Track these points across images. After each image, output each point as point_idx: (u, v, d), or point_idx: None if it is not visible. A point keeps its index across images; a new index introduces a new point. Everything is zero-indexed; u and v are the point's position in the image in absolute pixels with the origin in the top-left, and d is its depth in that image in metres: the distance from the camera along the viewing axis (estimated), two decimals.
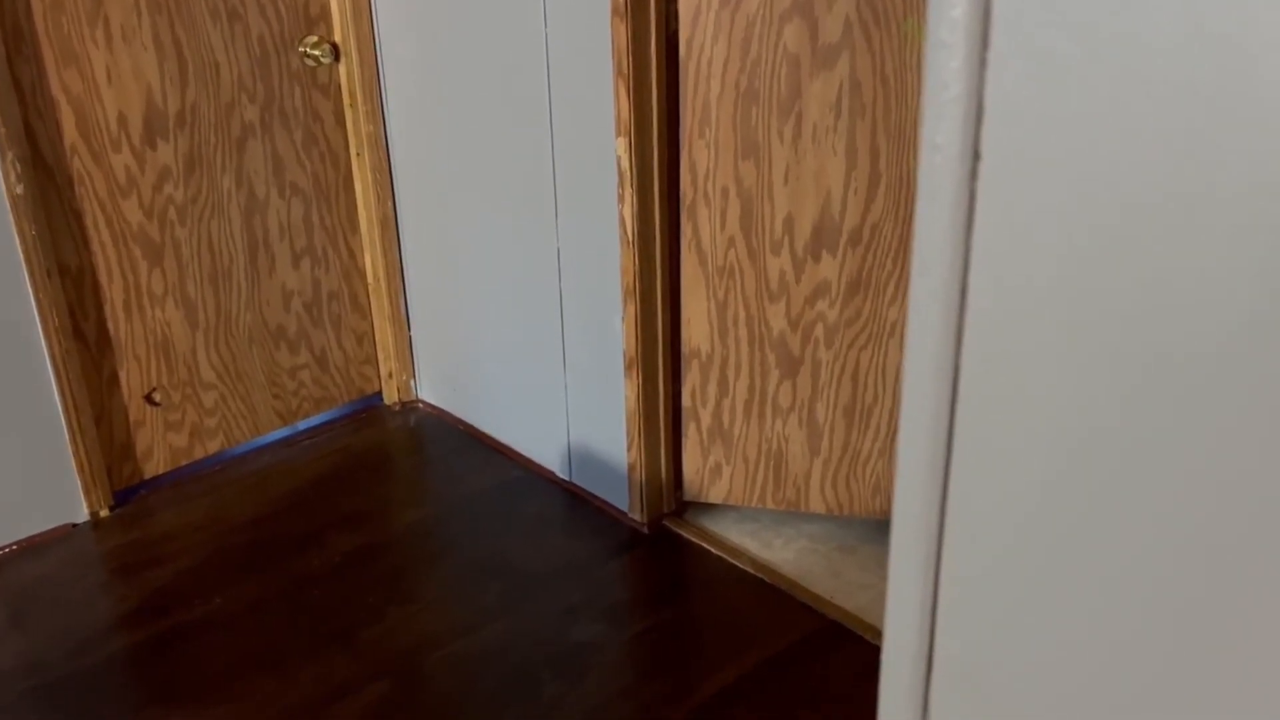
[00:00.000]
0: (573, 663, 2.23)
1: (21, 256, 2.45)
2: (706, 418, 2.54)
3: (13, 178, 2.39)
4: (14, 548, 2.62)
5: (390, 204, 3.03)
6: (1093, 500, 0.51)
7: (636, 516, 2.65)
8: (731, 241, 2.36)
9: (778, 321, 2.40)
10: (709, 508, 2.70)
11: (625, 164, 2.31)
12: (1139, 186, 0.46)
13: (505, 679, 2.20)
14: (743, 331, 2.43)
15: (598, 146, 2.38)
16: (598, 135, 2.37)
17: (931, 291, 0.48)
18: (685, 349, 2.50)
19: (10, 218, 2.41)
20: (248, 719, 2.11)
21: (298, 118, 2.85)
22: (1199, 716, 0.53)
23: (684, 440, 2.59)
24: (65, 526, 2.68)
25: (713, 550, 2.56)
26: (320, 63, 2.83)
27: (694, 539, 2.60)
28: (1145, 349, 0.48)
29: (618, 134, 2.30)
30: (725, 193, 2.32)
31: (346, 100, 2.92)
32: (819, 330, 2.39)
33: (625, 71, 2.23)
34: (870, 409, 2.44)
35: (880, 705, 0.61)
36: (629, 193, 2.33)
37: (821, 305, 2.37)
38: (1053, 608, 0.53)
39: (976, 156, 0.48)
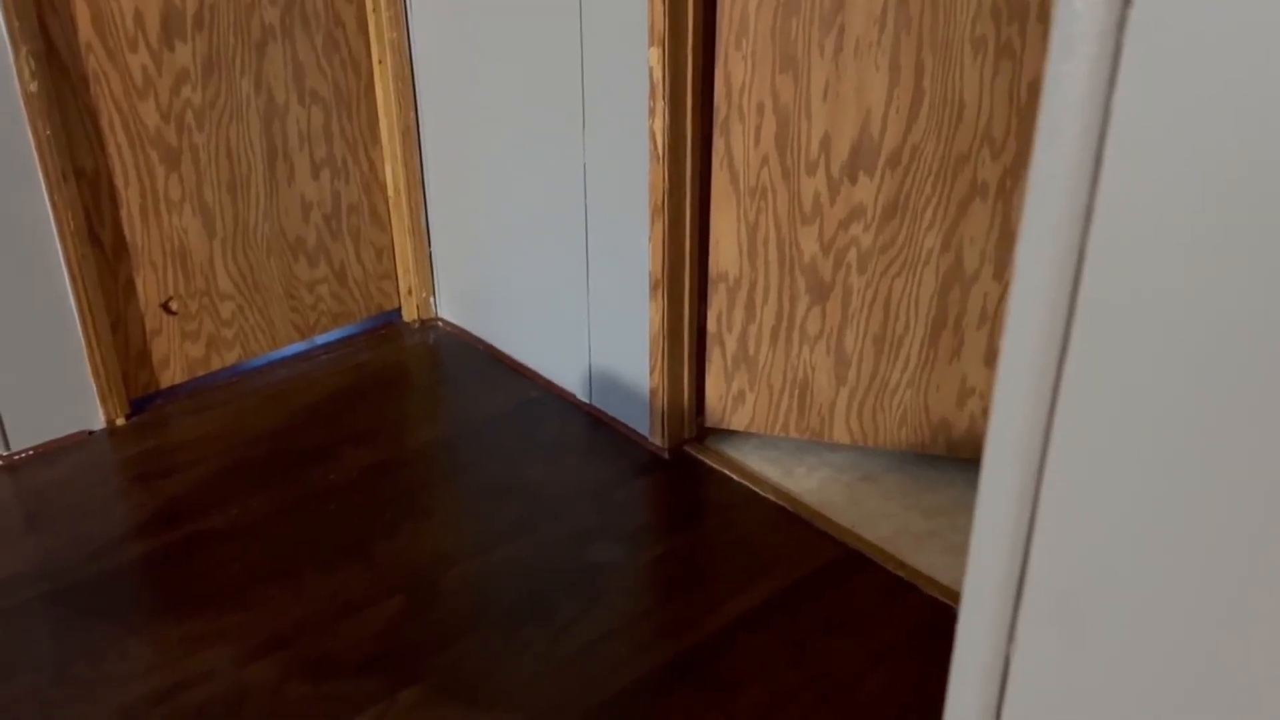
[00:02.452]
0: (589, 584, 2.21)
1: (36, 157, 2.39)
2: (732, 343, 2.49)
3: (26, 74, 2.32)
4: (30, 453, 2.60)
5: (412, 114, 2.94)
6: (1221, 419, 0.44)
7: (657, 441, 2.61)
8: (765, 160, 2.28)
9: (809, 245, 2.33)
10: (730, 434, 2.65)
11: (658, 75, 2.22)
12: None
13: (520, 598, 2.18)
14: (773, 255, 2.36)
15: (629, 56, 2.29)
16: (629, 44, 2.27)
17: (1060, 159, 0.42)
18: (712, 271, 2.43)
19: (24, 116, 2.35)
20: (262, 628, 2.09)
21: (319, 21, 2.76)
22: None
23: (708, 366, 2.54)
24: (82, 433, 2.66)
25: (733, 477, 2.52)
26: None
27: (715, 465, 2.56)
28: None
29: (650, 43, 2.21)
30: (761, 108, 2.23)
31: (369, 5, 2.82)
32: (852, 255, 2.32)
33: None
34: (900, 339, 2.38)
35: (959, 632, 0.55)
36: (660, 105, 2.25)
37: (856, 229, 2.29)
38: (1168, 537, 0.48)
39: (1127, 2, 0.41)
